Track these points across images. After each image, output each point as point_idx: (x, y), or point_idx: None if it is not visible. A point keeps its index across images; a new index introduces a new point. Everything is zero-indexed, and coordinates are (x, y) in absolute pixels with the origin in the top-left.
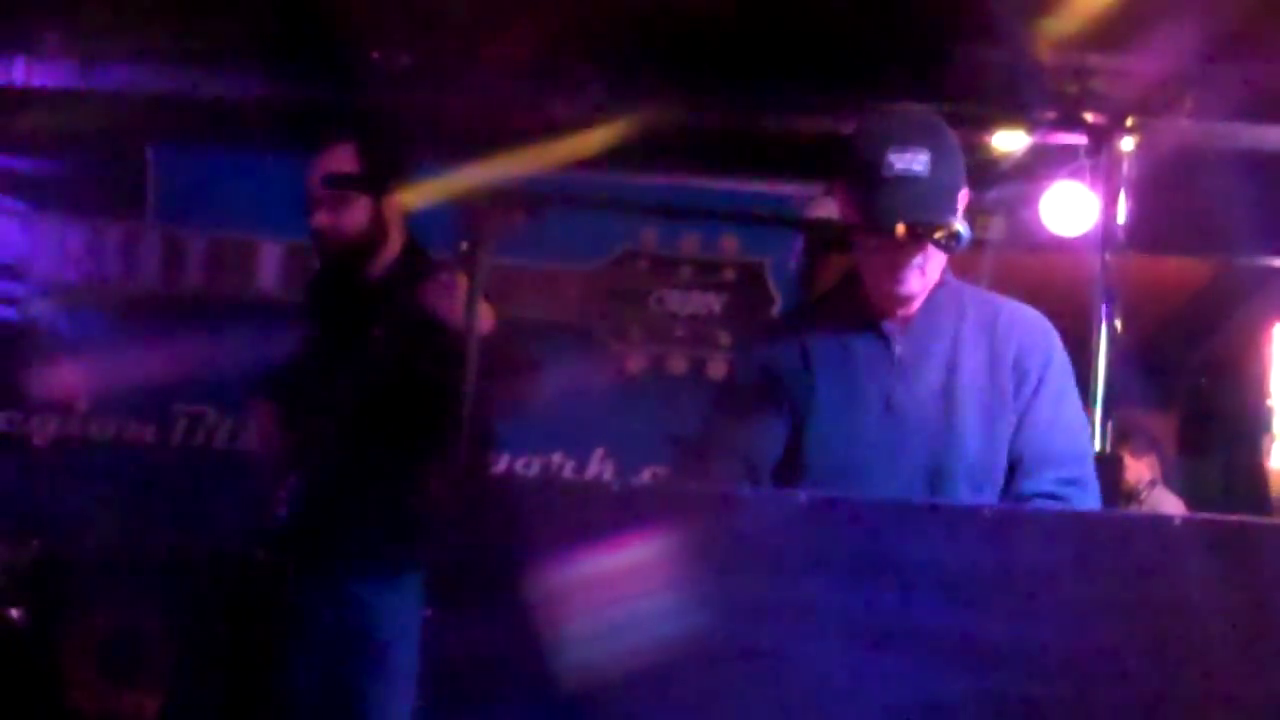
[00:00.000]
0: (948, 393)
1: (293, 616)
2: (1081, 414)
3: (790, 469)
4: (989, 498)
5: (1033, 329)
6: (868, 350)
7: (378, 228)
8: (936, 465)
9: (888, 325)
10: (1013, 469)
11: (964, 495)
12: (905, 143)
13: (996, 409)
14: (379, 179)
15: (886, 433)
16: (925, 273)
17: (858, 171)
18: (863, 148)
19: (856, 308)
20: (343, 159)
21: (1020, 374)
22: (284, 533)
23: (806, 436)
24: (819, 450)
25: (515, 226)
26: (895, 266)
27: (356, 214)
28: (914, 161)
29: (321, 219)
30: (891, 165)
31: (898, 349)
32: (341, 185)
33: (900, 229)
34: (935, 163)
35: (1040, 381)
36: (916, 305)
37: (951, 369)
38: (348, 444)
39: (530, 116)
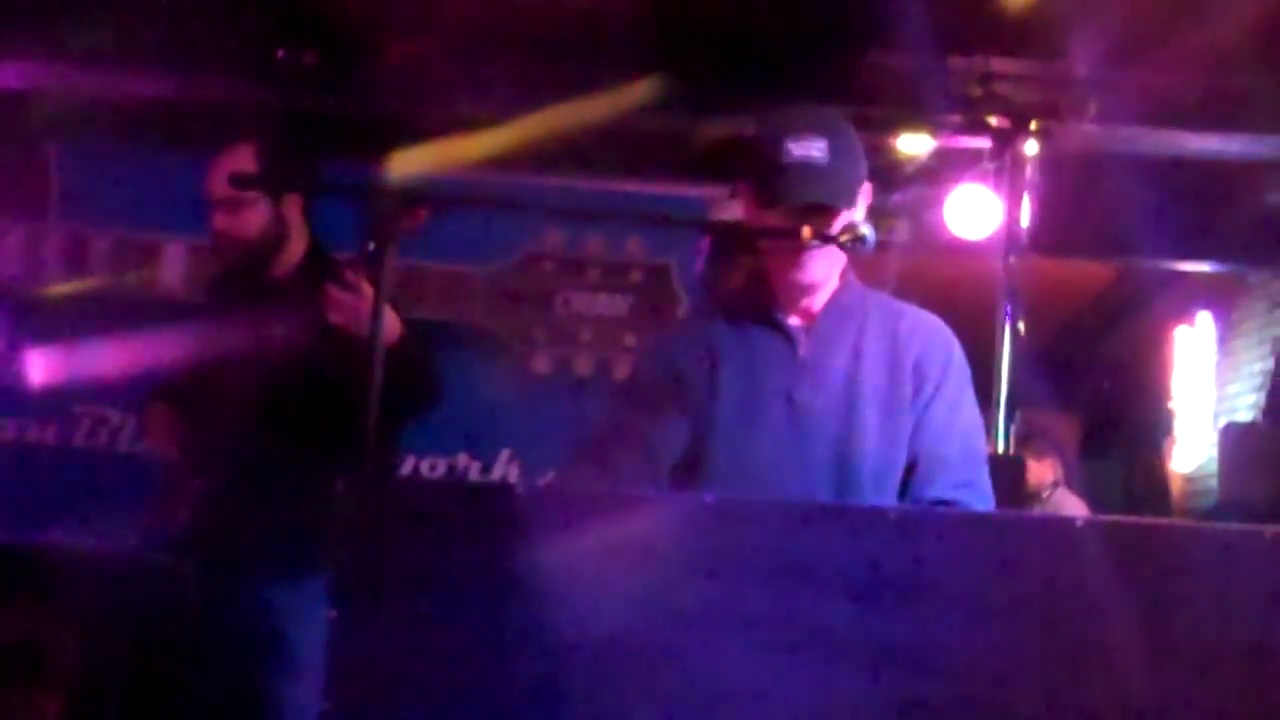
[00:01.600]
0: (850, 393)
1: (198, 619)
2: (977, 419)
3: (693, 467)
4: (890, 498)
5: (933, 335)
6: (772, 349)
7: (277, 229)
8: (839, 465)
9: (792, 326)
10: (908, 472)
11: (868, 495)
12: (802, 132)
13: (896, 411)
14: (278, 179)
15: (789, 432)
16: (826, 260)
17: (757, 163)
18: (761, 141)
19: (762, 308)
20: (241, 159)
21: (919, 378)
22: (186, 536)
23: (709, 434)
24: (722, 448)
25: (418, 226)
26: (797, 253)
27: (255, 215)
28: (811, 148)
29: (220, 220)
30: (790, 152)
31: (801, 349)
32: (243, 185)
33: (807, 232)
34: (833, 151)
35: (938, 387)
36: (820, 297)
37: (854, 370)
38: (250, 445)
39: (435, 116)
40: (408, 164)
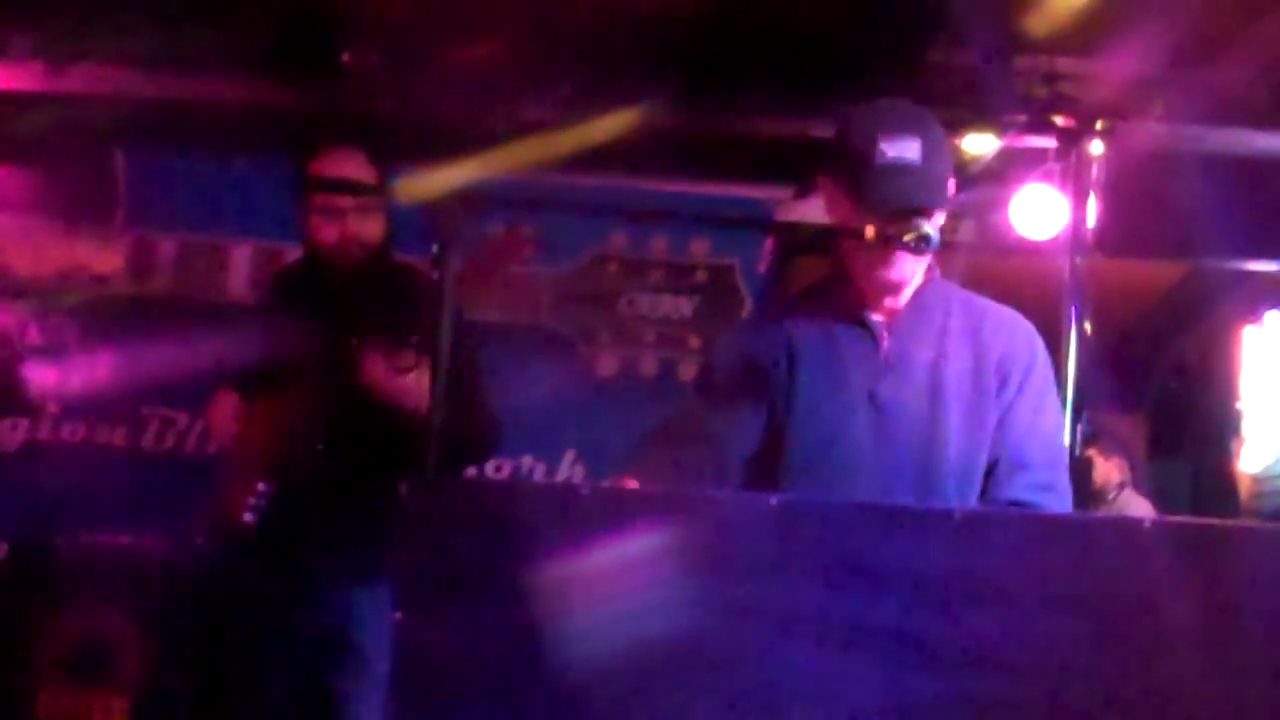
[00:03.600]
0: (933, 390)
1: (266, 620)
2: (1060, 420)
3: (772, 462)
4: (973, 496)
5: (1018, 333)
6: (854, 346)
7: (388, 233)
8: (922, 462)
9: (874, 321)
10: (988, 472)
11: (951, 492)
12: (896, 131)
13: (980, 408)
14: (386, 184)
15: (871, 428)
16: (915, 258)
17: (848, 161)
18: (853, 138)
19: (843, 304)
20: (353, 164)
21: (1003, 376)
22: (252, 537)
23: (789, 430)
24: (801, 444)
25: (527, 251)
26: (887, 251)
27: (381, 219)
28: (906, 149)
29: (352, 225)
30: (884, 153)
31: (884, 345)
32: (369, 192)
33: (870, 232)
34: (925, 150)
35: (1021, 386)
36: (906, 293)
37: (937, 367)
38: (319, 449)
39: (500, 119)
40: (473, 167)
